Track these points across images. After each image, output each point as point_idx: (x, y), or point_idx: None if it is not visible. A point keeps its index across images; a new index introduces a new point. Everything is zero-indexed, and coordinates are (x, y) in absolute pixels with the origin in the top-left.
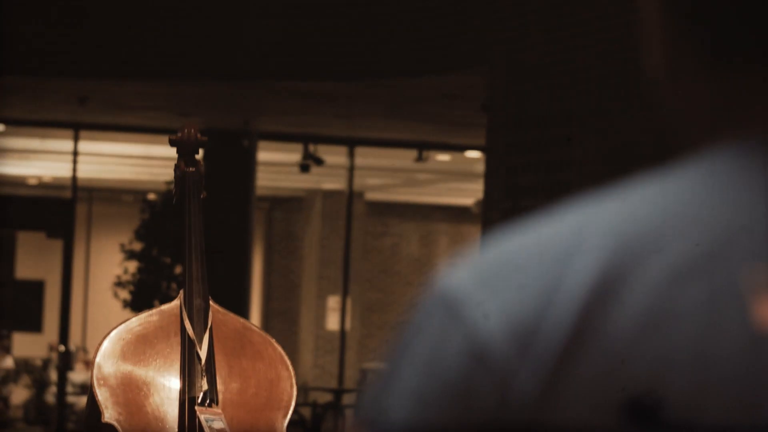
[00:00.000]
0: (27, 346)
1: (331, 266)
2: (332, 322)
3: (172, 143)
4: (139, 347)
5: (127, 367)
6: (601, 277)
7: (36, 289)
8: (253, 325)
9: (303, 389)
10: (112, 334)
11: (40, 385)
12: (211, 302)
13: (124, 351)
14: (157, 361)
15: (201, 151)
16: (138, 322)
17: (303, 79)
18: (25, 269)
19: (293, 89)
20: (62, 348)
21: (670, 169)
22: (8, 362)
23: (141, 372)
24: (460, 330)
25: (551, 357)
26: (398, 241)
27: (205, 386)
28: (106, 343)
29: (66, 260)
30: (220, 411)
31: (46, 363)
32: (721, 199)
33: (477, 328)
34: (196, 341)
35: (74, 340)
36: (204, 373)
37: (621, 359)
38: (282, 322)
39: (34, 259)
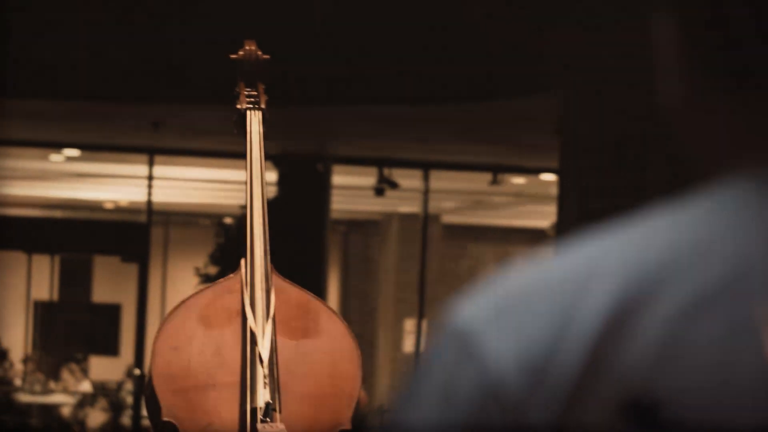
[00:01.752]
0: (103, 369)
1: (408, 289)
2: (409, 345)
3: (233, 62)
4: (198, 332)
5: (187, 357)
6: (615, 310)
7: (112, 312)
8: (319, 299)
9: (380, 412)
10: (173, 317)
11: (116, 408)
12: (273, 274)
13: (184, 337)
14: (220, 348)
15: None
16: (201, 301)
17: (377, 104)
18: (101, 293)
19: (368, 113)
20: (137, 372)
21: (687, 198)
22: (85, 386)
23: (202, 363)
24: (473, 364)
25: (564, 391)
26: (475, 264)
27: (267, 396)
28: (166, 328)
29: (141, 284)
30: (283, 426)
31: (122, 386)
32: (737, 230)
33: (490, 362)
34: (257, 335)
35: None
36: (266, 380)
37: (635, 392)
38: (359, 345)
39: (111, 284)
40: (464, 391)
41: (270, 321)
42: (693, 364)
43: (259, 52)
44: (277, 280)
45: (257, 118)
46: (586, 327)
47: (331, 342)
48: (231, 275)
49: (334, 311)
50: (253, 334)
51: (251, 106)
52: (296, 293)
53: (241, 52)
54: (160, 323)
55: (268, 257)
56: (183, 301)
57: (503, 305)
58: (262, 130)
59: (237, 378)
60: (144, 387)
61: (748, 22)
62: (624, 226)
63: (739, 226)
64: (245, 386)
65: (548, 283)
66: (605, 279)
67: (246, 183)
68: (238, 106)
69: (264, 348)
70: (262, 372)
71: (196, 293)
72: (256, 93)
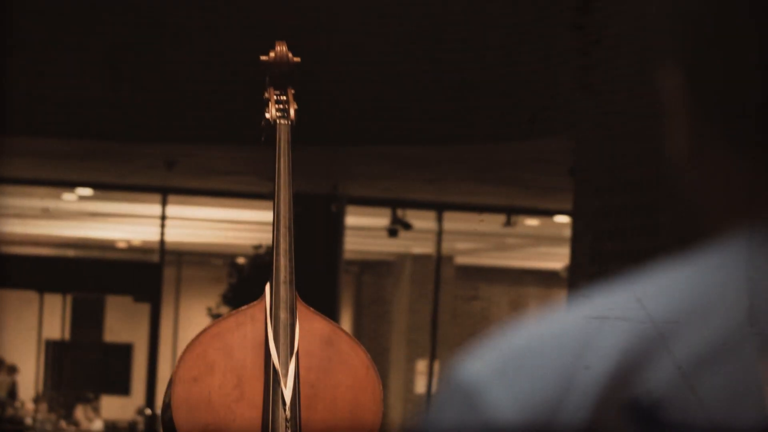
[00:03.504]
0: (115, 409)
1: (420, 330)
2: (421, 386)
3: (262, 65)
4: (219, 362)
5: (207, 389)
6: (620, 365)
7: (124, 352)
8: (342, 329)
9: None
10: (194, 345)
11: None
12: (297, 303)
13: (205, 367)
14: (241, 380)
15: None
16: (223, 329)
17: (392, 144)
18: (113, 333)
19: (382, 154)
20: (149, 411)
21: (692, 253)
22: (97, 425)
23: (222, 396)
24: (478, 419)
25: None
26: (488, 306)
27: None
28: (187, 357)
29: (153, 324)
30: None
31: (134, 425)
32: (743, 284)
33: (494, 417)
34: (281, 374)
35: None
36: (288, 423)
37: None
38: None
39: (123, 323)
40: None
41: (294, 358)
42: (697, 419)
43: (290, 54)
44: (301, 308)
45: (286, 129)
46: (591, 382)
47: (353, 375)
48: (255, 302)
49: (357, 342)
50: (276, 373)
51: (281, 114)
52: (320, 323)
53: (271, 54)
54: (183, 351)
55: (293, 286)
56: (205, 329)
57: (508, 360)
58: (290, 141)
59: (258, 413)
60: (162, 412)
61: (755, 72)
62: (631, 281)
63: (745, 281)
64: (266, 427)
65: (553, 338)
66: (611, 334)
67: (274, 196)
68: (268, 116)
69: (287, 389)
70: (284, 415)
71: (219, 320)
72: (285, 98)
